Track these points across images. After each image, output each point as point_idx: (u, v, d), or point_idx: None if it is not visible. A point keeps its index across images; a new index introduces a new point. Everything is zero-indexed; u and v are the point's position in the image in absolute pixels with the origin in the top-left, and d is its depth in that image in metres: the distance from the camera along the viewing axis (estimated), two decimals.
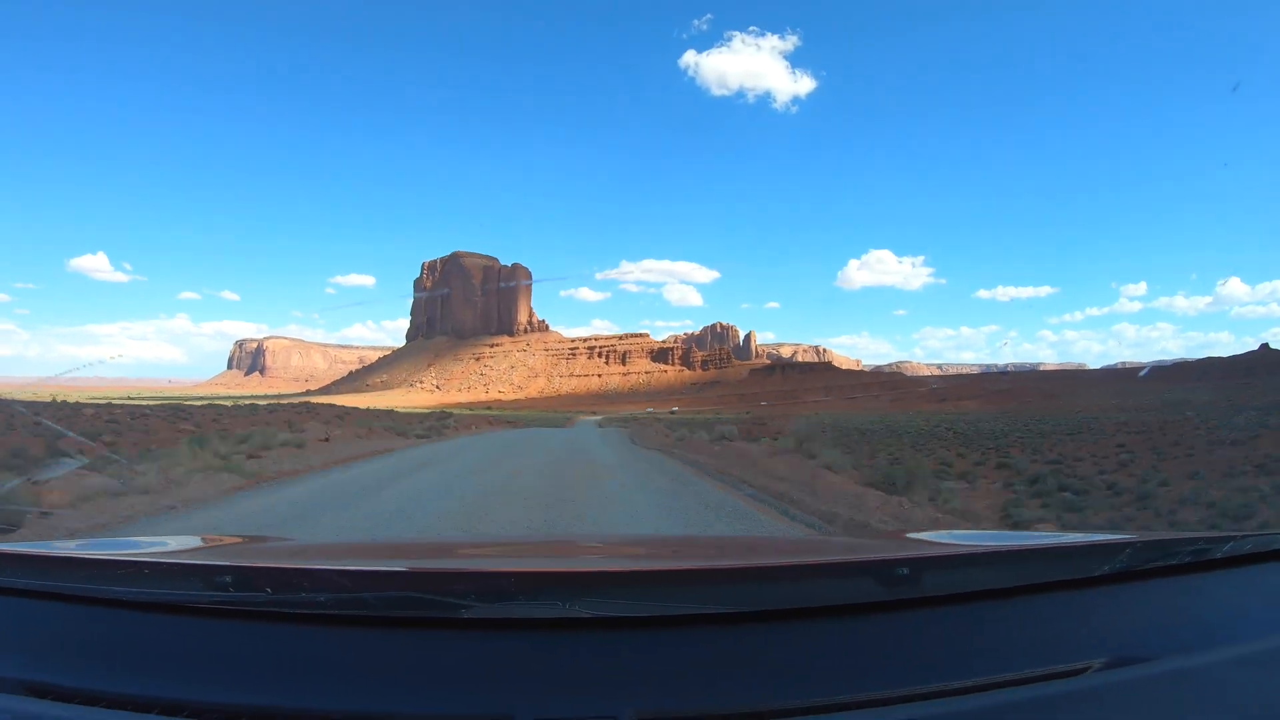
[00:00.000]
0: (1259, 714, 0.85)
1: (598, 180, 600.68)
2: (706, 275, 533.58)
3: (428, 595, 0.91)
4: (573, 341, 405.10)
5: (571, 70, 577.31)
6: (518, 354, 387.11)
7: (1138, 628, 1.00)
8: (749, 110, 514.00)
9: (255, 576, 1.00)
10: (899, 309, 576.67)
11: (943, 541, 1.57)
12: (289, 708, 0.83)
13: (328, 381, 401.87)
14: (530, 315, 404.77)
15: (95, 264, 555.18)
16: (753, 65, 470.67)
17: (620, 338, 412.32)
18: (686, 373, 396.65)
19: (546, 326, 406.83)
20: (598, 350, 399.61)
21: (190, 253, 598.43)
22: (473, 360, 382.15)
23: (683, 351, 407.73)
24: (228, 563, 1.12)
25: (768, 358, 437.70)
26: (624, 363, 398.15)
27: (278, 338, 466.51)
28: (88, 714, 0.83)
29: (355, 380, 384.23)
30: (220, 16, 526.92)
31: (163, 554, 1.33)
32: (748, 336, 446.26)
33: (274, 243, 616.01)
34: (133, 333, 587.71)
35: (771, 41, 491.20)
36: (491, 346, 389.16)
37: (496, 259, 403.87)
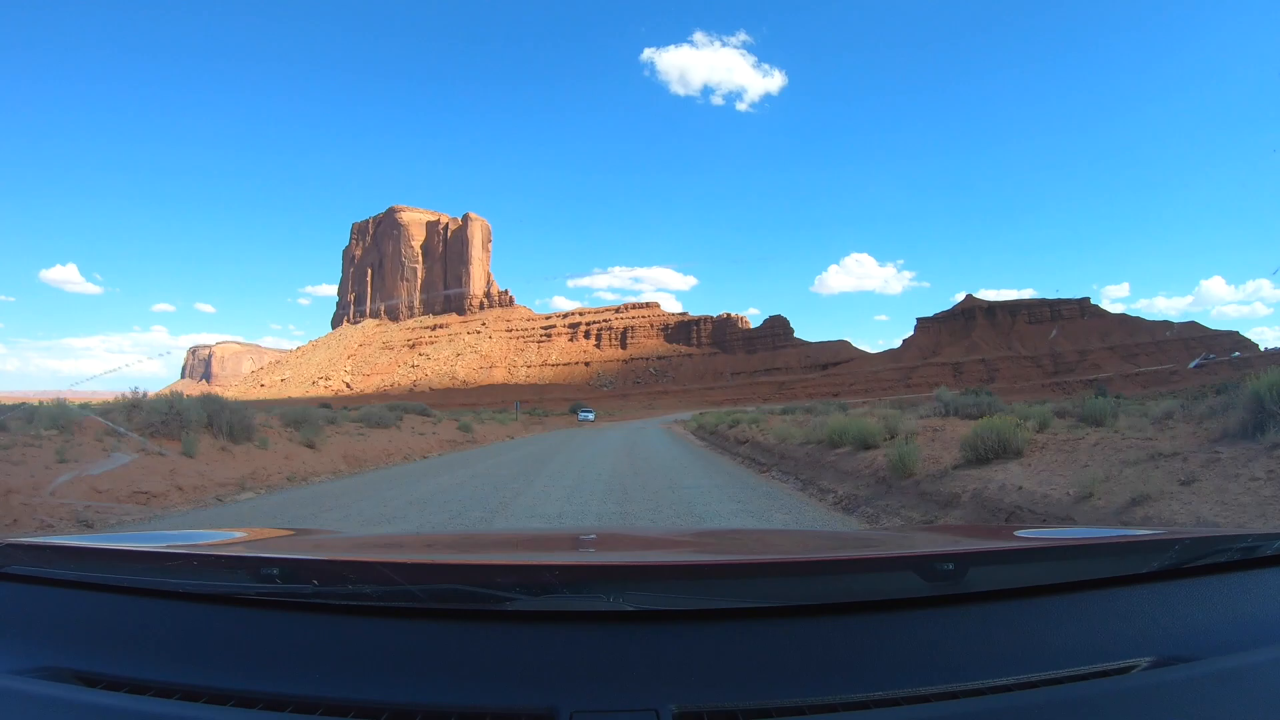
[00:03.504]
0: None
1: (562, 185, 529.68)
2: (684, 282, 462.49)
3: (472, 588, 0.93)
4: (547, 318, 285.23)
5: (529, 66, 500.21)
6: (468, 337, 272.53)
7: (1185, 626, 0.97)
8: (717, 110, 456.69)
9: (302, 569, 1.01)
10: (880, 314, 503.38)
11: (1007, 535, 1.49)
12: (333, 698, 0.84)
13: (248, 383, 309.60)
14: (489, 284, 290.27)
15: (66, 275, 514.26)
16: (718, 61, 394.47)
17: (618, 310, 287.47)
18: (721, 356, 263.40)
19: (511, 300, 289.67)
20: (584, 328, 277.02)
21: (161, 264, 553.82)
22: (406, 348, 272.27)
23: (713, 327, 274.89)
24: (276, 555, 1.13)
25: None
26: (624, 345, 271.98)
27: (229, 343, 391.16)
28: (136, 702, 0.84)
29: (250, 381, 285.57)
30: (188, 11, 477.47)
31: (210, 546, 1.36)
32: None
33: (247, 253, 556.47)
34: (110, 345, 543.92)
35: (740, 37, 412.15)
36: (434, 329, 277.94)
37: (444, 213, 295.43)
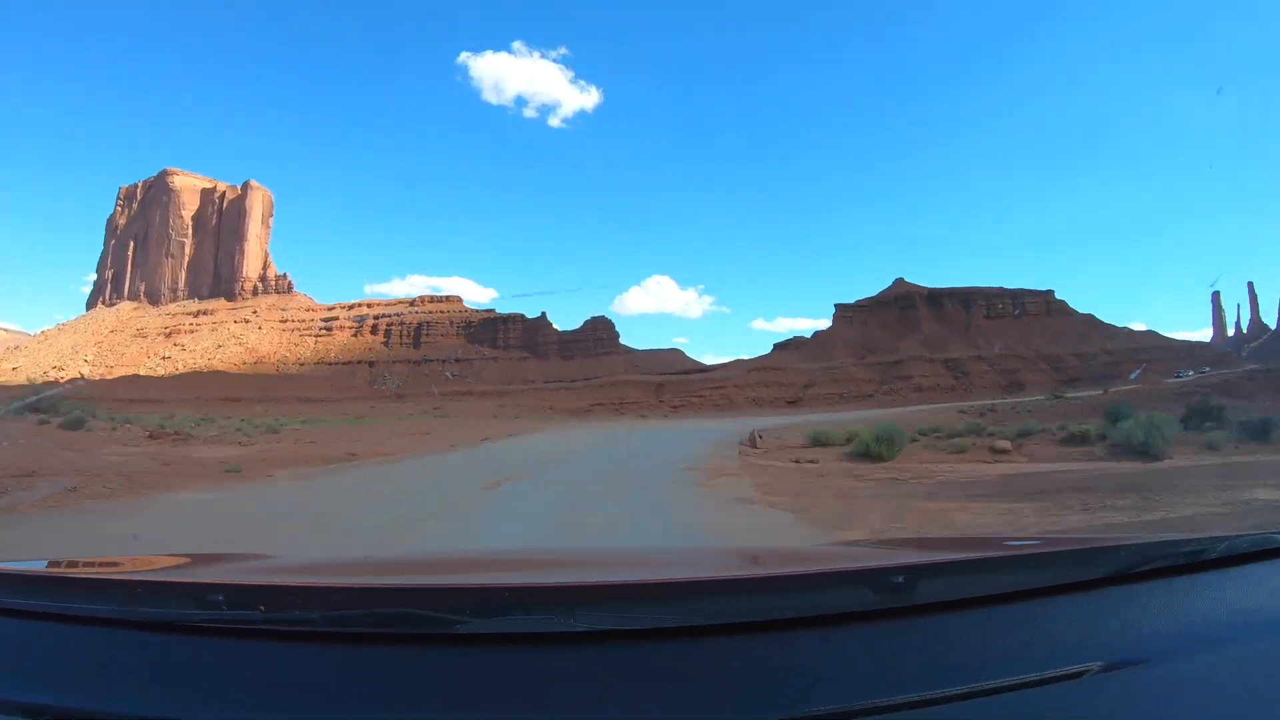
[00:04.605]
0: (1257, 714, 0.85)
1: (361, 182, 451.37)
2: (484, 294, 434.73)
3: (421, 611, 0.91)
4: (330, 309, 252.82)
5: (339, 46, 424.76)
6: (234, 326, 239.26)
7: (1135, 630, 1.00)
8: (529, 123, 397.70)
9: (248, 594, 0.99)
10: (680, 336, 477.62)
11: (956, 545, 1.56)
12: None
13: None
14: (266, 265, 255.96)
15: None
16: (535, 73, 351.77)
17: (412, 303, 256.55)
18: (531, 361, 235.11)
19: (290, 286, 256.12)
20: (372, 323, 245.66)
21: None
22: (161, 336, 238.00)
23: (523, 329, 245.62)
24: (221, 580, 1.11)
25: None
26: (418, 343, 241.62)
27: None
28: None
29: None
30: None
31: (155, 572, 1.33)
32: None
33: (28, 235, 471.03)
34: None
35: (560, 50, 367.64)
36: (197, 316, 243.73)
37: (223, 181, 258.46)
